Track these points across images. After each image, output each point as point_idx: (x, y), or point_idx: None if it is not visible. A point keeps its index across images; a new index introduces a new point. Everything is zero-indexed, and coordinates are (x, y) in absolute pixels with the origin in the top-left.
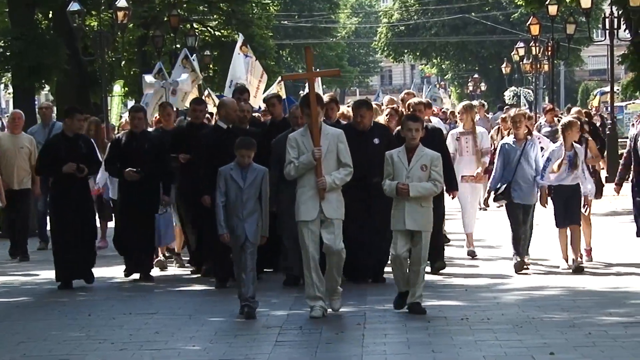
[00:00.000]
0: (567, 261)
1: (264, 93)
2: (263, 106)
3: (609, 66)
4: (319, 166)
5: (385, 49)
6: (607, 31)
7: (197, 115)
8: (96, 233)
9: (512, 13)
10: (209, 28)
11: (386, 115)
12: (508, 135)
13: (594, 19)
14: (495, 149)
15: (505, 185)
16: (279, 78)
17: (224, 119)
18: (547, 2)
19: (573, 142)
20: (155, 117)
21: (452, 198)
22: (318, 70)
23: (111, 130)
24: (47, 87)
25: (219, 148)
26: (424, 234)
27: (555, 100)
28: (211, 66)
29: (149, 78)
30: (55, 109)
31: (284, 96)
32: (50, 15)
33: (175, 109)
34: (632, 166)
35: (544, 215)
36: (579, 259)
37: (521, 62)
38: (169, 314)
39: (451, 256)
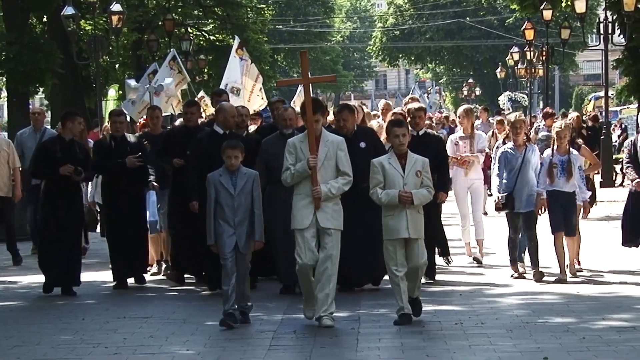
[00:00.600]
0: (565, 269)
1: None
2: (257, 108)
3: (604, 71)
4: (314, 175)
5: (380, 53)
6: (602, 36)
7: (189, 118)
8: (81, 238)
9: (506, 18)
10: (203, 32)
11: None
12: (504, 138)
13: (589, 23)
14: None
15: (506, 194)
16: (278, 86)
17: (221, 124)
18: (541, 7)
19: (570, 149)
20: (141, 121)
21: (439, 201)
22: (313, 75)
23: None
24: (42, 92)
25: (214, 154)
26: (420, 240)
27: (550, 105)
28: (206, 70)
29: (132, 83)
30: (49, 113)
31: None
32: (45, 20)
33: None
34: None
35: (539, 222)
36: (574, 268)
37: (516, 67)
38: (163, 318)
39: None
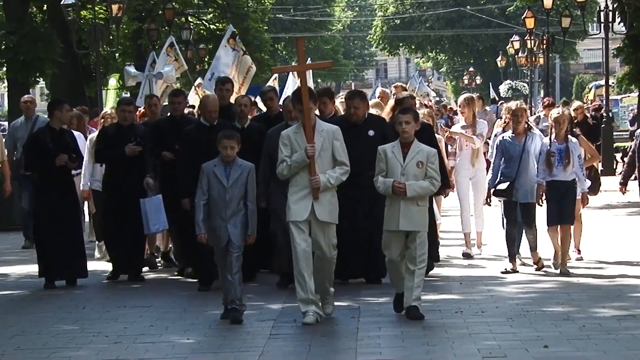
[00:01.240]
0: (558, 256)
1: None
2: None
3: (604, 59)
4: (312, 164)
5: (381, 42)
6: (602, 24)
7: (176, 108)
8: (82, 230)
9: (507, 6)
10: (203, 21)
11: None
12: (504, 127)
13: (589, 12)
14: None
15: (508, 183)
16: (272, 73)
17: (204, 117)
18: None
19: (569, 136)
20: (141, 110)
21: (445, 196)
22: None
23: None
24: (42, 81)
25: (202, 147)
26: (419, 233)
27: (550, 94)
28: (206, 59)
29: (132, 70)
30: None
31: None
32: (45, 9)
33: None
34: (636, 165)
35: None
36: (566, 261)
37: (516, 56)
38: (164, 307)
39: (447, 253)
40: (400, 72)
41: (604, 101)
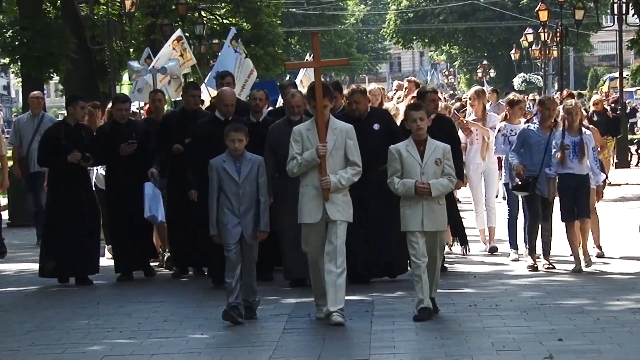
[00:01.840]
0: (579, 259)
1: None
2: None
3: (618, 51)
4: (323, 164)
5: (394, 36)
6: (616, 16)
7: (190, 101)
8: (99, 225)
9: None
10: (217, 16)
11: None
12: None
13: (603, 4)
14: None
15: (532, 178)
16: (286, 69)
17: (219, 111)
18: None
19: (582, 129)
20: (147, 106)
21: (458, 189)
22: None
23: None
24: (56, 77)
25: (213, 140)
26: (439, 233)
27: (564, 86)
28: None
29: (135, 65)
30: (64, 99)
31: None
32: (58, 5)
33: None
34: None
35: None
36: (589, 257)
37: (530, 48)
38: (177, 302)
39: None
40: (414, 66)
41: (619, 93)
